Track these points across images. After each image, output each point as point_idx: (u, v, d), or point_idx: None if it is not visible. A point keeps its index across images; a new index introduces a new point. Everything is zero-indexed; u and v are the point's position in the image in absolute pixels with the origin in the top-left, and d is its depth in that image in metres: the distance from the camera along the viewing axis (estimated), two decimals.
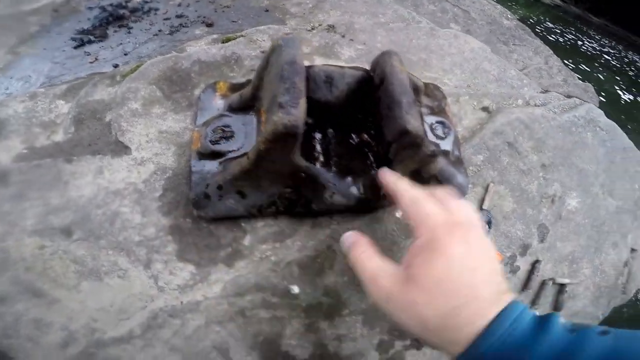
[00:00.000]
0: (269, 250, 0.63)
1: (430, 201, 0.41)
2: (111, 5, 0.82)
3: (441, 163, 0.67)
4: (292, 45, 0.47)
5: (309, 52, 0.84)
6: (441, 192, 0.47)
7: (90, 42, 0.73)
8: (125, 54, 0.67)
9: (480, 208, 0.76)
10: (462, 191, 0.72)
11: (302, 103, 0.42)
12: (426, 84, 0.80)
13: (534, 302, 0.82)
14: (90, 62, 0.68)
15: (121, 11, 0.80)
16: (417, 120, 0.48)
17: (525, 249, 0.85)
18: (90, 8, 0.82)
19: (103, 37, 0.74)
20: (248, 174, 0.56)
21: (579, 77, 1.59)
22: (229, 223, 0.63)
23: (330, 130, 0.62)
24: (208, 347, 0.62)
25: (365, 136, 0.60)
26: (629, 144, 1.13)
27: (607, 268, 1.00)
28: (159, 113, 0.64)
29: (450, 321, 0.33)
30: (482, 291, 0.33)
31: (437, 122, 0.74)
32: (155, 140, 0.63)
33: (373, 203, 0.62)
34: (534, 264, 0.84)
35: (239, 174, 0.56)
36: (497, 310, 0.32)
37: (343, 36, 0.94)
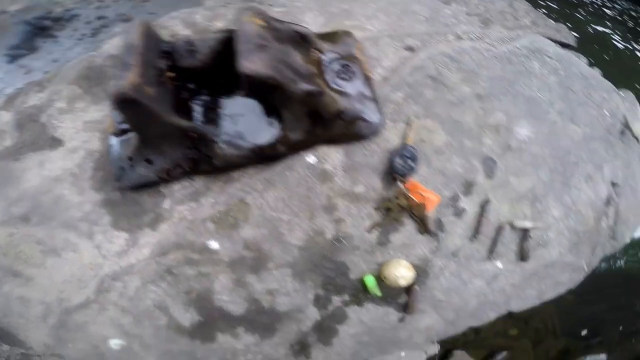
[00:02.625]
0: (185, 210, 0.69)
1: None
2: (35, 18, 0.92)
3: (342, 103, 0.68)
4: (131, 30, 0.53)
5: (224, 25, 0.88)
6: None
7: (22, 55, 0.84)
8: (55, 61, 0.78)
9: (404, 144, 0.75)
10: (373, 129, 0.72)
11: (132, 75, 0.48)
12: (334, 32, 0.81)
13: (491, 251, 0.80)
14: (25, 74, 0.80)
15: (45, 22, 0.89)
16: (256, 64, 0.51)
17: (468, 187, 0.81)
18: (15, 24, 0.94)
19: (32, 49, 0.85)
20: (145, 142, 0.63)
21: (557, 19, 1.46)
22: (151, 190, 0.70)
23: (209, 91, 0.66)
24: (150, 306, 0.70)
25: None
26: (590, 72, 1.03)
27: (582, 207, 0.90)
28: (82, 107, 0.74)
29: None
30: None
31: (343, 65, 0.75)
32: (82, 131, 0.73)
33: (268, 152, 0.66)
34: (484, 205, 0.80)
35: (138, 143, 0.63)
36: None
37: (261, 3, 0.96)
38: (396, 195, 0.72)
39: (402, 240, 0.74)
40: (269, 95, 0.57)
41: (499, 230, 0.79)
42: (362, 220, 0.72)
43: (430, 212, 0.75)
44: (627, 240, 1.07)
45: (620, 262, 1.45)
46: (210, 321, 0.68)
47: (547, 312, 1.32)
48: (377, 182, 0.74)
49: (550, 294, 0.89)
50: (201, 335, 0.69)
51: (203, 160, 0.65)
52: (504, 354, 1.25)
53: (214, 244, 0.68)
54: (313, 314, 0.71)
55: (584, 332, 1.34)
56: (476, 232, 0.77)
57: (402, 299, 0.73)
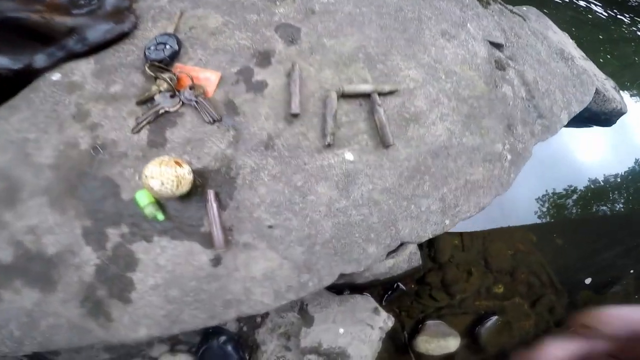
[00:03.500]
0: None
1: None
2: None
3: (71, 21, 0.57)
4: None
5: None
6: None
7: None
8: None
9: (168, 35, 0.59)
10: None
11: None
12: None
13: (325, 135, 0.58)
14: None
15: None
16: None
17: (264, 57, 0.61)
18: None
19: None
20: None
21: None
22: None
23: None
24: None
25: None
26: None
27: (454, 67, 0.65)
28: None
29: None
30: None
31: None
32: None
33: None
34: (291, 73, 0.59)
35: None
36: None
37: None
38: (159, 83, 0.56)
39: (183, 135, 0.56)
40: None
41: (327, 103, 0.57)
42: (124, 121, 0.56)
43: (212, 93, 0.57)
44: (564, 119, 0.75)
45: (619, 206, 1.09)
46: None
47: (532, 262, 0.98)
48: (137, 78, 0.58)
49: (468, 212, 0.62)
50: None
51: None
52: (494, 319, 0.93)
53: None
54: (89, 257, 0.55)
55: (588, 281, 0.97)
56: (291, 108, 0.56)
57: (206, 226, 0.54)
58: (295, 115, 0.57)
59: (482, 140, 0.66)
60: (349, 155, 0.58)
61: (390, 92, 0.61)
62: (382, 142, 0.58)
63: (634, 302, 1.01)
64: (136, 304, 0.55)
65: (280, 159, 0.56)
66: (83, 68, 0.59)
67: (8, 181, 0.57)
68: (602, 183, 1.26)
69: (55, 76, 0.59)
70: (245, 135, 0.56)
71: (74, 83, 0.58)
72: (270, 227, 0.55)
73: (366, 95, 0.60)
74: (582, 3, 1.73)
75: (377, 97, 0.59)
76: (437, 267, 0.97)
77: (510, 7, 0.81)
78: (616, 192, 1.27)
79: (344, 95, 0.58)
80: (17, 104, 0.59)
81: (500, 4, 0.80)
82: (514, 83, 0.74)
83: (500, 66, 0.72)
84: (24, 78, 0.58)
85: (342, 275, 0.58)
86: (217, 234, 0.52)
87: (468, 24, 0.69)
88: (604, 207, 1.24)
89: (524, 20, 0.80)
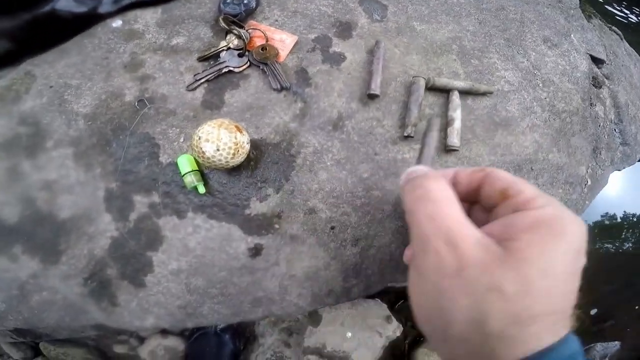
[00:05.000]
0: None
1: None
2: None
3: None
4: None
5: None
6: None
7: None
8: None
9: None
10: None
11: None
12: None
13: (404, 125, 0.49)
14: None
15: None
16: None
17: (345, 29, 0.52)
18: None
19: None
20: None
21: None
22: None
23: None
24: None
25: None
26: None
27: (552, 76, 0.58)
28: None
29: (521, 330, 0.22)
30: (563, 307, 0.24)
31: None
32: None
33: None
34: (375, 51, 0.51)
35: None
36: (554, 337, 0.23)
37: None
38: (229, 39, 0.49)
39: (243, 100, 0.48)
40: None
41: (413, 90, 0.48)
42: (180, 76, 0.49)
43: (285, 58, 0.50)
44: None
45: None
46: None
47: None
48: (205, 32, 0.52)
49: None
50: None
51: None
52: None
53: None
54: (107, 227, 0.45)
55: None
56: (369, 88, 0.48)
57: (257, 205, 0.45)
58: (372, 97, 0.49)
59: (568, 160, 0.57)
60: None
61: (484, 94, 0.53)
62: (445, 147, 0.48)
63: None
64: (150, 289, 0.44)
65: (349, 144, 0.48)
66: (148, 17, 0.53)
67: (35, 127, 0.49)
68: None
69: (116, 23, 0.53)
70: (313, 110, 0.48)
71: (134, 31, 0.53)
72: (324, 219, 0.45)
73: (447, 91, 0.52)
74: None
75: (457, 98, 0.51)
76: None
77: (609, 25, 0.75)
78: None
79: (433, 88, 0.50)
80: (68, 48, 0.53)
81: (600, 19, 0.75)
82: (606, 103, 0.66)
83: (597, 83, 0.64)
84: (85, 23, 0.53)
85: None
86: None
87: (572, 35, 0.62)
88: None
89: (621, 39, 0.73)
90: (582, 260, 0.24)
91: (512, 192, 0.26)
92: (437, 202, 0.25)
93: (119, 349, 0.79)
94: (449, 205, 0.25)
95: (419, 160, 0.35)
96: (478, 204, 0.31)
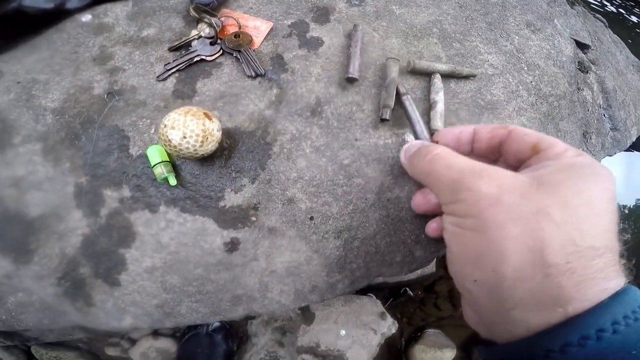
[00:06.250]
0: None
1: None
2: None
3: None
4: None
5: None
6: None
7: None
8: None
9: None
10: None
11: None
12: None
13: (382, 106, 0.48)
14: None
15: None
16: None
17: (322, 13, 0.51)
18: None
19: None
20: None
21: None
22: None
23: None
24: None
25: None
26: None
27: (537, 60, 0.56)
28: None
29: (586, 262, 0.20)
30: (613, 245, 0.22)
31: None
32: None
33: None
34: (352, 34, 0.49)
35: None
36: (615, 286, 0.21)
37: None
38: (200, 27, 0.48)
39: (216, 88, 0.46)
40: None
41: (386, 71, 0.46)
42: (150, 67, 0.47)
43: (260, 45, 0.48)
44: (633, 135, 0.65)
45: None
46: None
47: None
48: (176, 23, 0.50)
49: None
50: None
51: None
52: None
53: None
54: (78, 224, 0.43)
55: None
56: (348, 71, 0.46)
57: (232, 197, 0.43)
58: (351, 80, 0.47)
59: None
60: (411, 138, 0.46)
61: (467, 77, 0.51)
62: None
63: None
64: (125, 288, 0.42)
65: (328, 129, 0.46)
66: (118, 10, 0.52)
67: (2, 123, 0.47)
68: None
69: (86, 17, 0.52)
70: (290, 96, 0.46)
71: (103, 25, 0.51)
72: (304, 210, 0.43)
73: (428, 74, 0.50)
74: None
75: (439, 81, 0.49)
76: (448, 276, 0.86)
77: (592, 12, 0.74)
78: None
79: (413, 71, 0.49)
80: (38, 43, 0.51)
81: (583, 7, 0.73)
82: (593, 88, 0.64)
83: (583, 68, 0.63)
84: (53, 18, 0.52)
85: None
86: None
87: (555, 20, 0.61)
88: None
89: (606, 26, 0.72)
90: (615, 207, 0.23)
91: (545, 145, 0.26)
92: (450, 156, 0.27)
93: (110, 351, 0.78)
94: (461, 156, 0.26)
95: (416, 136, 0.40)
96: (498, 162, 0.30)
